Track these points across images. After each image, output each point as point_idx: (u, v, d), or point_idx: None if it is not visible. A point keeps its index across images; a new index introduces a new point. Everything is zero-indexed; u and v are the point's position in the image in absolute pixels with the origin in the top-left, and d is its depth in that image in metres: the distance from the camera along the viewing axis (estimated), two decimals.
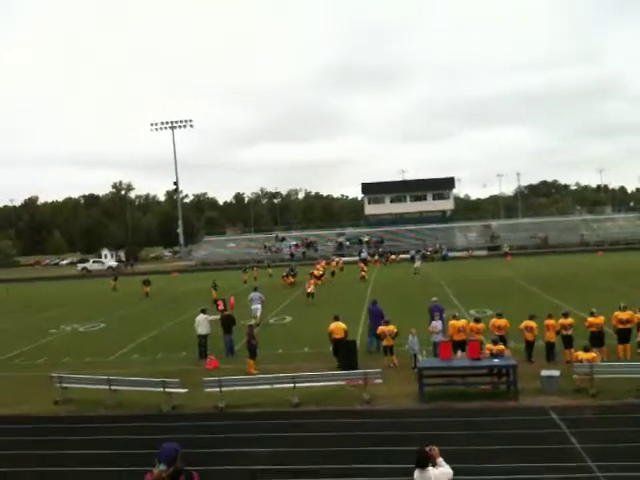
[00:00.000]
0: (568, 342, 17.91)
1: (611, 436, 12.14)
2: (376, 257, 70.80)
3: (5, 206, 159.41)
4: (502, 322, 18.59)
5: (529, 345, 18.43)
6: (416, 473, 7.20)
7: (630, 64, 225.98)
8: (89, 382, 16.93)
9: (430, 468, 7.11)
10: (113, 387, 16.35)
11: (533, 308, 21.09)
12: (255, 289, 29.48)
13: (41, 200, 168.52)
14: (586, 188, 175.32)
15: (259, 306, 27.80)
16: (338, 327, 19.60)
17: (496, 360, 15.72)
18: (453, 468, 7.35)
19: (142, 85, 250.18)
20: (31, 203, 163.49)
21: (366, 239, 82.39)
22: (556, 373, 15.49)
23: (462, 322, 18.76)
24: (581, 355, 15.52)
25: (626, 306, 18.76)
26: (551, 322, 18.26)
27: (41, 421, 15.41)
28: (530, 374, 15.95)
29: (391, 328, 19.03)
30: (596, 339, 17.50)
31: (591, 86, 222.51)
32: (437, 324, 19.26)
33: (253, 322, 24.54)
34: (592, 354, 15.52)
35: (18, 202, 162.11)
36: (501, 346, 16.47)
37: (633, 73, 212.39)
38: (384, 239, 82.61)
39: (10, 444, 13.74)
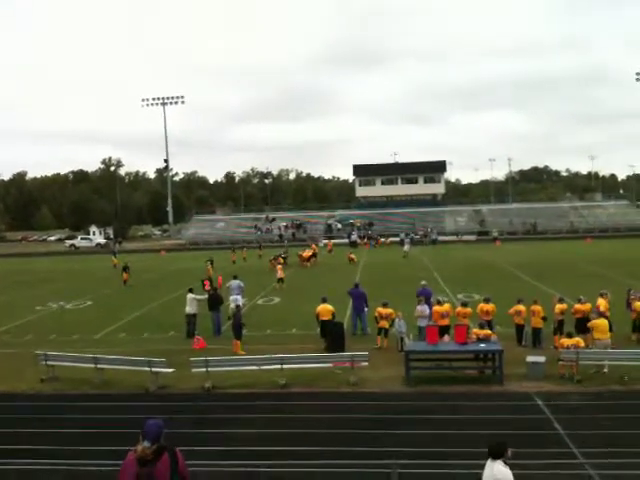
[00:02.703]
0: (561, 328, 17.96)
1: (595, 423, 12.24)
2: (365, 240, 70.86)
3: None
4: (490, 307, 18.73)
5: (519, 329, 18.57)
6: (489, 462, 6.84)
7: (621, 50, 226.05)
8: (75, 360, 16.86)
9: (498, 462, 6.74)
10: (99, 366, 16.28)
11: (520, 293, 21.21)
12: (235, 277, 26.86)
13: (30, 175, 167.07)
14: (577, 175, 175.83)
15: (239, 297, 23.91)
16: (325, 309, 19.63)
17: (482, 345, 15.79)
18: (438, 452, 7.35)
19: (135, 61, 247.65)
20: (19, 178, 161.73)
21: (353, 221, 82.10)
22: (542, 359, 15.55)
23: (446, 307, 18.77)
24: (566, 341, 15.59)
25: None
26: (537, 308, 18.32)
27: (27, 399, 15.35)
28: (516, 359, 16.01)
29: (389, 311, 19.03)
30: (582, 326, 17.57)
31: (583, 72, 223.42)
32: (423, 308, 19.21)
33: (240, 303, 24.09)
34: (576, 339, 15.61)
35: (6, 177, 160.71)
36: (488, 331, 16.53)
37: (625, 60, 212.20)
38: (374, 221, 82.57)
39: None
